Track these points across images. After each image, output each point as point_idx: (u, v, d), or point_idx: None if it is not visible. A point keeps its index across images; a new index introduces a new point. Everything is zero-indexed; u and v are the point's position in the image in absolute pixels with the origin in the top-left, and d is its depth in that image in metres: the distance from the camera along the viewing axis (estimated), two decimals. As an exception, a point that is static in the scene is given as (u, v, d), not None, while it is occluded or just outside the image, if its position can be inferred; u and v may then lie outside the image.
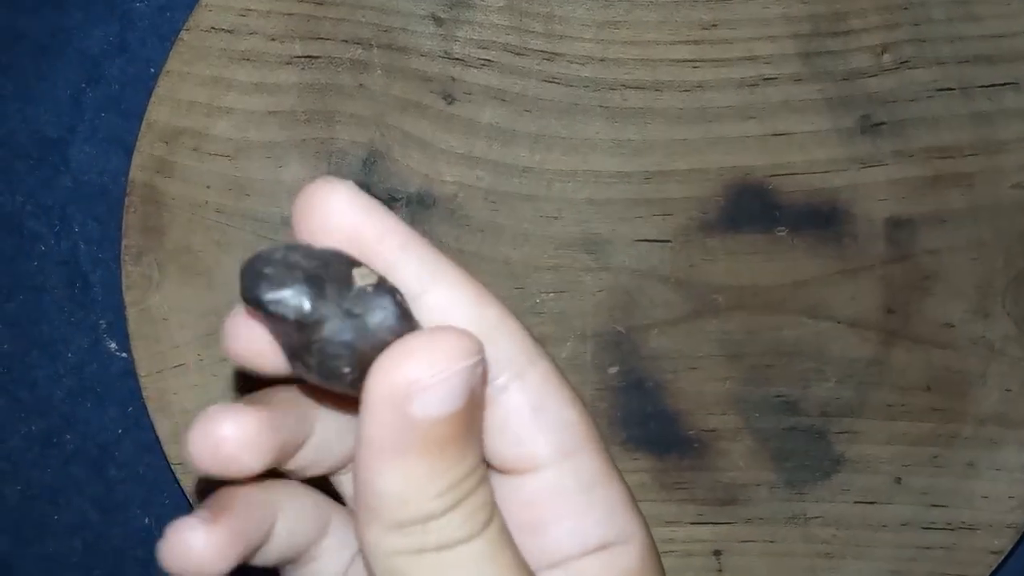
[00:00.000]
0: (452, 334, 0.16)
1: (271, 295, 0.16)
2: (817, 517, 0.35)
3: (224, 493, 0.19)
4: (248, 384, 0.35)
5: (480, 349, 0.16)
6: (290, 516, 0.19)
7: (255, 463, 0.17)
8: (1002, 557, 0.35)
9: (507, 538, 0.18)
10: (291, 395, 0.19)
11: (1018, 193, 0.35)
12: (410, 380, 0.16)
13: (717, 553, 0.36)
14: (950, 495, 0.35)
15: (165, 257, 0.35)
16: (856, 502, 0.35)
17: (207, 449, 0.17)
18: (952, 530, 0.35)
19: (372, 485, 0.16)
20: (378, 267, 0.17)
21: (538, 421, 0.19)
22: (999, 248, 0.35)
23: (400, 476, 0.16)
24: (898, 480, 0.35)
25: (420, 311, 0.18)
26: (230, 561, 0.18)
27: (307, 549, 0.20)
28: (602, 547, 0.19)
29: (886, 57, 0.35)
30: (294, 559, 0.20)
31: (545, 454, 0.19)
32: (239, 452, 0.17)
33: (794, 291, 0.35)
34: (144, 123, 0.34)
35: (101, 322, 0.38)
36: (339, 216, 0.17)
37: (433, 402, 0.16)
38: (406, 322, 0.17)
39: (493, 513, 0.17)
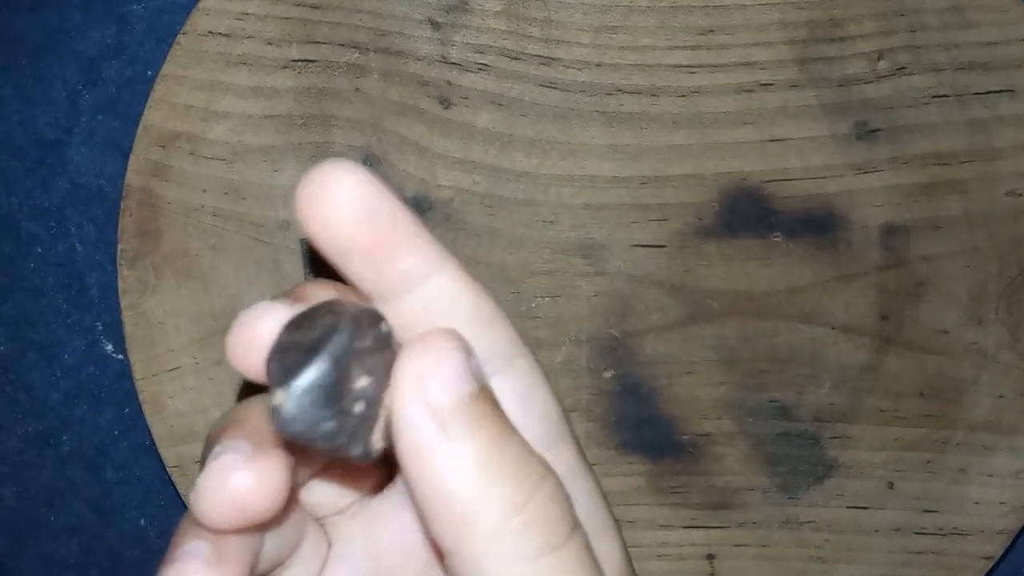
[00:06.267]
0: (435, 332, 0.17)
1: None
2: (810, 522, 0.36)
3: None
4: (243, 388, 0.35)
5: (461, 337, 0.17)
6: (274, 531, 0.19)
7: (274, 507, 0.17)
8: (993, 563, 0.36)
9: (593, 552, 0.18)
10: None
11: (1012, 200, 0.35)
12: (420, 372, 0.16)
13: (710, 557, 0.36)
14: (942, 500, 0.36)
15: (161, 261, 0.35)
16: (848, 507, 0.36)
17: (222, 503, 0.17)
18: (944, 535, 0.36)
19: (447, 492, 0.16)
20: (384, 254, 0.17)
21: (525, 408, 0.19)
22: (993, 255, 0.35)
23: (466, 466, 0.16)
24: (890, 485, 0.36)
25: (425, 293, 0.18)
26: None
27: (284, 561, 0.20)
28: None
29: (882, 64, 0.35)
30: (271, 569, 0.20)
31: (530, 439, 0.19)
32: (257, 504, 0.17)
33: (789, 297, 0.35)
34: (140, 127, 0.34)
35: (98, 324, 0.38)
36: (348, 209, 0.17)
37: (450, 382, 0.16)
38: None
39: (578, 523, 0.17)
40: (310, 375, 0.16)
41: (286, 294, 0.19)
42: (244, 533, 0.17)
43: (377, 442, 0.17)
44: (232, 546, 0.17)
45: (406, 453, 0.16)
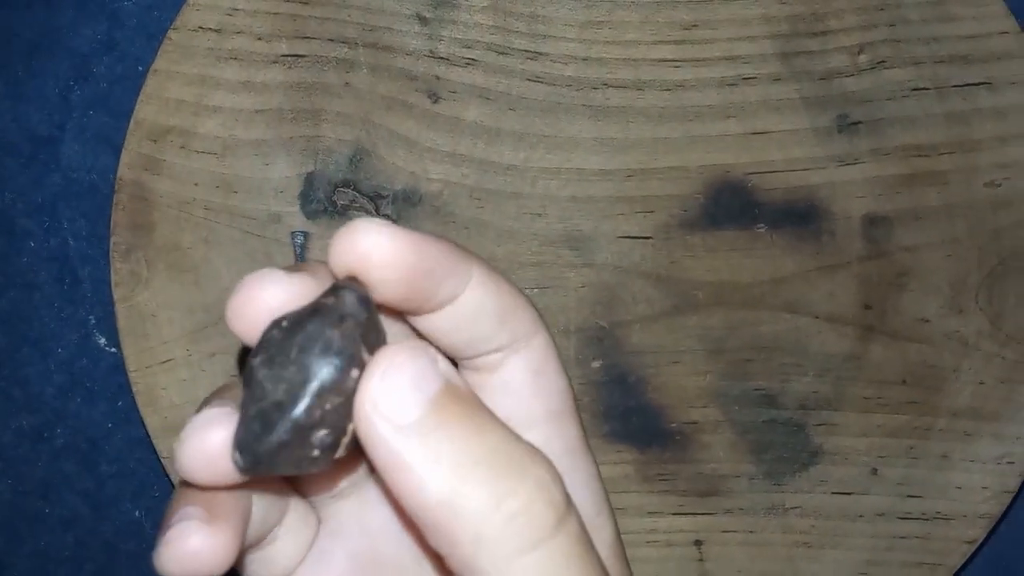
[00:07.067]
0: (389, 349, 0.17)
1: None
2: (795, 508, 0.36)
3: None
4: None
5: (418, 346, 0.17)
6: (259, 500, 0.19)
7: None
8: (975, 547, 0.36)
9: (588, 535, 0.18)
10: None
11: (991, 191, 0.36)
12: (377, 391, 0.16)
13: (698, 543, 0.36)
14: (925, 486, 0.36)
15: (153, 254, 0.35)
16: (833, 493, 0.36)
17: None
18: (927, 520, 0.36)
19: (425, 503, 0.16)
20: (425, 295, 0.18)
21: (537, 381, 0.20)
22: (973, 245, 0.36)
23: (439, 473, 0.16)
24: (874, 471, 0.36)
25: (454, 310, 0.19)
26: (232, 558, 0.17)
27: (270, 531, 0.20)
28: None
29: (863, 57, 0.36)
30: (258, 543, 0.20)
31: (539, 414, 0.20)
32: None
33: (773, 287, 0.36)
34: (132, 121, 0.35)
35: (91, 318, 0.39)
36: (390, 273, 0.18)
37: (408, 393, 0.16)
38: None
39: (570, 508, 0.17)
40: (269, 442, 0.16)
41: (292, 268, 0.19)
42: (227, 487, 0.18)
43: (339, 454, 0.17)
44: (222, 507, 0.18)
45: (381, 470, 0.16)
